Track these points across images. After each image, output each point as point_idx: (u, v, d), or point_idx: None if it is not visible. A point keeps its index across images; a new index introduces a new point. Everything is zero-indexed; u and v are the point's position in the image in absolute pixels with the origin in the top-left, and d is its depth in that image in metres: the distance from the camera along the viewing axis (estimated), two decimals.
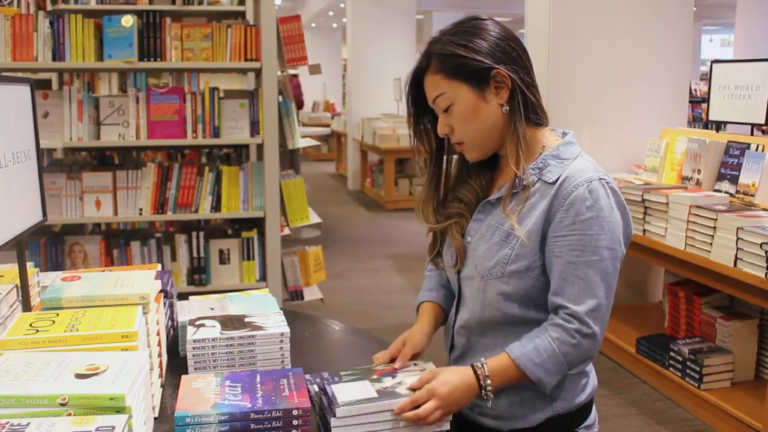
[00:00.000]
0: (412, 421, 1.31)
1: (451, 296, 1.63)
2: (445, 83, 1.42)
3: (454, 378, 1.36)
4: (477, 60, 1.38)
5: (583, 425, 1.50)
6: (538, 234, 1.39)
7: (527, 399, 1.45)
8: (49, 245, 3.79)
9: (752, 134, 3.74)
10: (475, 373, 1.37)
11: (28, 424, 1.03)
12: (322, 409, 1.38)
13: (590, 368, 1.52)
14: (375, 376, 1.44)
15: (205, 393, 1.35)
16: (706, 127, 4.47)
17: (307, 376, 1.45)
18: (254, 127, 3.79)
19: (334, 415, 1.31)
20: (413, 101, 1.51)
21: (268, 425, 1.28)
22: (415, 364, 1.51)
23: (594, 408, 1.54)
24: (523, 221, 1.40)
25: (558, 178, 1.39)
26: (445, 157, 1.55)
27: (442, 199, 1.56)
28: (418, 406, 1.32)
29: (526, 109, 1.43)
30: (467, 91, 1.40)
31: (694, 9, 4.59)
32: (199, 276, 3.89)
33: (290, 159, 4.27)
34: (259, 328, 1.62)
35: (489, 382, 1.37)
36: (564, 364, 1.37)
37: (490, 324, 1.48)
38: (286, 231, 4.14)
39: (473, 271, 1.47)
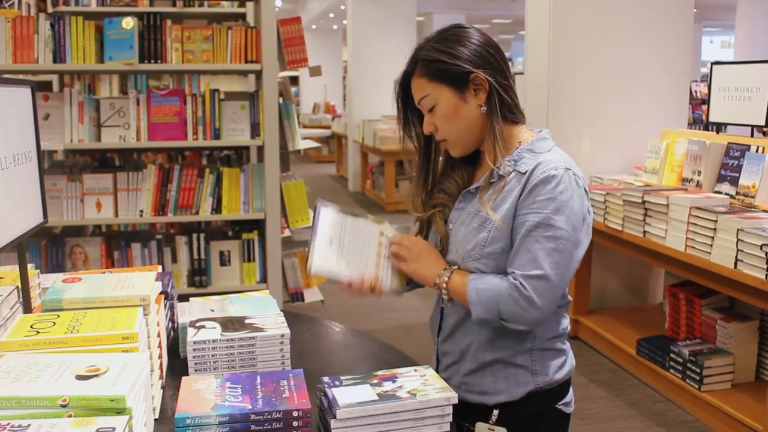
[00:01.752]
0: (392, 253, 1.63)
1: None
2: (429, 86, 1.55)
3: (428, 257, 1.60)
4: (457, 65, 1.51)
5: (561, 402, 1.61)
6: (511, 218, 1.50)
7: (510, 375, 1.56)
8: (49, 247, 3.79)
9: (752, 136, 3.74)
10: (441, 272, 1.57)
11: (29, 425, 1.03)
12: (323, 411, 1.39)
13: (567, 348, 1.63)
14: (375, 381, 1.45)
15: (205, 394, 1.35)
16: (706, 128, 4.47)
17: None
18: (255, 129, 3.80)
19: (335, 417, 1.31)
20: (402, 102, 1.65)
21: (269, 426, 1.29)
22: (415, 370, 1.51)
23: (571, 387, 1.65)
24: (498, 207, 1.52)
25: (530, 168, 1.50)
26: (432, 154, 1.68)
27: (430, 191, 1.69)
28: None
29: (503, 108, 1.55)
30: (449, 93, 1.53)
31: (695, 11, 4.59)
32: (199, 278, 3.89)
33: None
34: (260, 329, 1.63)
35: (446, 280, 1.56)
36: (499, 311, 1.47)
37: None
38: (287, 233, 4.15)
39: (455, 255, 1.59)
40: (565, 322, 1.63)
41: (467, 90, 1.53)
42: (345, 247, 1.62)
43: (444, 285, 1.56)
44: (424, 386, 1.43)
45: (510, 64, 1.63)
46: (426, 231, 1.72)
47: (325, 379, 1.45)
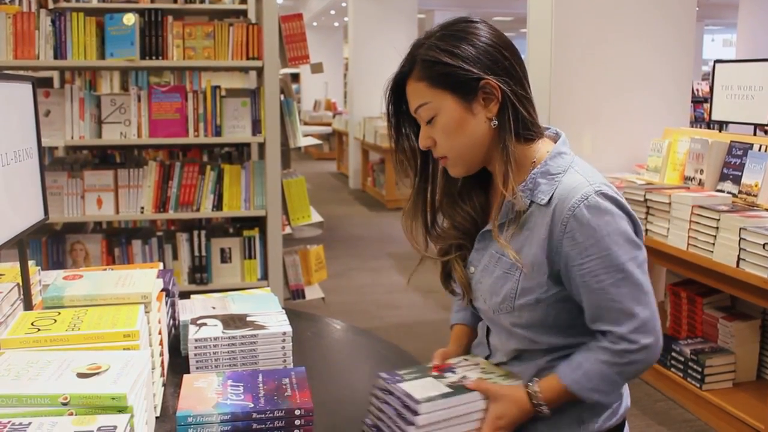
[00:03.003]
0: None
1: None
2: (428, 92, 1.31)
3: (512, 409, 1.32)
4: (464, 69, 1.28)
5: None
6: (543, 264, 1.30)
7: (554, 421, 1.35)
8: (50, 244, 3.78)
9: (755, 134, 3.73)
10: (530, 399, 1.32)
11: (30, 423, 1.02)
12: (381, 413, 1.30)
13: (624, 391, 1.44)
14: (435, 373, 1.38)
15: (207, 392, 1.34)
16: (708, 127, 4.47)
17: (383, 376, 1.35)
18: (256, 126, 3.79)
19: (417, 413, 1.23)
20: (395, 108, 1.40)
21: (270, 425, 1.28)
22: (465, 360, 1.46)
23: (627, 428, 1.47)
24: (523, 250, 1.32)
25: (551, 199, 1.30)
26: (430, 171, 1.44)
27: (432, 220, 1.46)
28: None
29: (517, 124, 1.31)
30: (452, 102, 1.30)
31: (697, 9, 4.58)
32: (200, 275, 3.89)
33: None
34: (261, 327, 1.62)
35: (543, 405, 1.32)
36: (619, 382, 1.33)
37: (518, 350, 1.43)
38: (288, 230, 4.14)
39: (483, 305, 1.42)
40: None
41: (475, 99, 1.30)
42: None
43: (545, 411, 1.32)
44: (486, 374, 1.39)
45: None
46: (446, 271, 1.50)
47: (384, 375, 1.34)
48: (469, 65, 1.28)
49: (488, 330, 1.49)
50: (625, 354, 1.28)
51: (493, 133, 1.33)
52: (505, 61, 1.31)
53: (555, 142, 1.39)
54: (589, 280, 1.27)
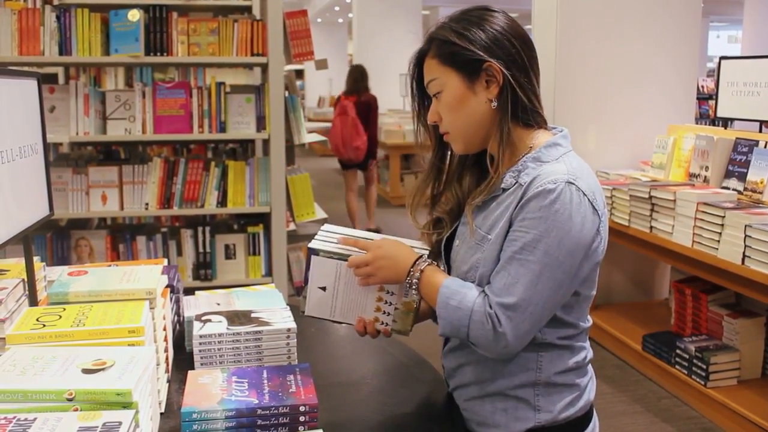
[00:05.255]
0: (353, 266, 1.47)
1: None
2: (438, 69, 1.41)
3: (390, 261, 1.44)
4: (470, 50, 1.36)
5: None
6: (502, 236, 1.35)
7: (510, 408, 1.41)
8: (55, 240, 3.79)
9: (761, 131, 3.72)
10: (408, 272, 1.43)
11: (35, 419, 1.03)
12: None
13: (584, 382, 1.46)
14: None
15: (211, 389, 1.34)
16: (713, 123, 4.46)
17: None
18: (260, 122, 3.79)
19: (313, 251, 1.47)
20: (417, 85, 1.50)
21: (275, 421, 1.28)
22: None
23: (593, 423, 1.49)
24: (496, 225, 1.37)
25: (531, 181, 1.34)
26: (446, 150, 1.52)
27: (438, 195, 1.54)
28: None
29: (516, 107, 1.38)
30: (457, 80, 1.39)
31: (702, 5, 4.57)
32: (204, 271, 3.89)
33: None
34: (266, 323, 1.62)
35: (416, 281, 1.42)
36: (466, 330, 1.34)
37: None
38: (292, 226, 4.14)
39: (454, 275, 1.46)
40: (582, 354, 1.44)
41: (478, 80, 1.37)
42: (339, 294, 1.51)
43: (415, 286, 1.42)
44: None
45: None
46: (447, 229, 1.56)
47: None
48: (476, 47, 1.36)
49: None
50: (488, 318, 1.31)
51: (493, 114, 1.39)
52: (512, 48, 1.37)
53: None
54: (509, 245, 1.32)
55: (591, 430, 1.48)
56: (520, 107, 1.38)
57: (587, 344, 1.48)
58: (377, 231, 6.94)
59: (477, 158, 1.51)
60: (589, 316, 1.47)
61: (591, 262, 1.37)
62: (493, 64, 1.35)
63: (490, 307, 1.31)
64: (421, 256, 1.45)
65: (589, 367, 1.49)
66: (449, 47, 1.38)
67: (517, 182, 1.36)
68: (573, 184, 1.30)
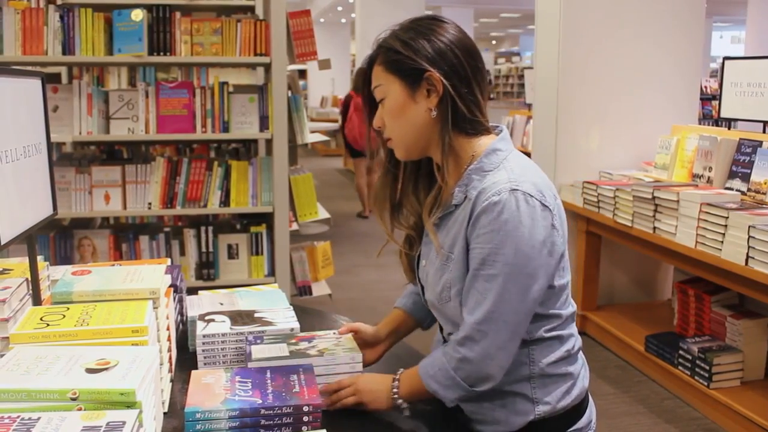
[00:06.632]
0: (329, 398, 1.47)
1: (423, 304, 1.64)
2: (382, 76, 1.43)
3: (374, 384, 1.47)
4: (412, 59, 1.38)
5: (572, 428, 1.48)
6: (464, 255, 1.38)
7: (508, 403, 1.44)
8: (58, 239, 3.80)
9: (764, 132, 3.71)
10: (390, 389, 1.45)
11: (39, 418, 1.03)
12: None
13: (576, 369, 1.48)
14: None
15: (215, 388, 1.34)
16: (716, 124, 4.45)
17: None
18: (263, 122, 3.79)
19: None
20: (367, 91, 1.50)
21: (278, 421, 1.28)
22: (334, 333, 1.62)
23: (589, 410, 1.52)
24: (455, 243, 1.39)
25: (477, 195, 1.36)
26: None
27: (398, 203, 1.54)
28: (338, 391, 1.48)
29: (456, 118, 1.40)
30: (399, 88, 1.41)
31: (705, 5, 4.56)
32: (207, 271, 3.90)
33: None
34: (269, 323, 1.62)
35: (397, 392, 1.44)
36: (456, 379, 1.38)
37: None
38: (295, 226, 4.14)
39: (429, 296, 1.49)
40: (571, 342, 1.47)
41: (419, 89, 1.39)
42: None
43: (400, 400, 1.44)
44: (334, 347, 1.54)
45: (489, 74, 1.49)
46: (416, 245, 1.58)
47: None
48: (419, 57, 1.38)
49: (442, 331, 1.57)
50: (459, 348, 1.36)
51: (433, 123, 1.41)
52: (455, 59, 1.39)
53: None
54: (472, 267, 1.35)
55: (587, 416, 1.51)
56: (460, 117, 1.40)
57: (575, 331, 1.50)
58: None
59: (429, 168, 1.51)
60: (571, 301, 1.50)
61: (555, 255, 1.38)
62: (433, 73, 1.37)
63: (458, 332, 1.37)
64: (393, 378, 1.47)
65: (580, 354, 1.53)
66: (393, 55, 1.41)
67: (466, 197, 1.39)
68: (516, 190, 1.32)
